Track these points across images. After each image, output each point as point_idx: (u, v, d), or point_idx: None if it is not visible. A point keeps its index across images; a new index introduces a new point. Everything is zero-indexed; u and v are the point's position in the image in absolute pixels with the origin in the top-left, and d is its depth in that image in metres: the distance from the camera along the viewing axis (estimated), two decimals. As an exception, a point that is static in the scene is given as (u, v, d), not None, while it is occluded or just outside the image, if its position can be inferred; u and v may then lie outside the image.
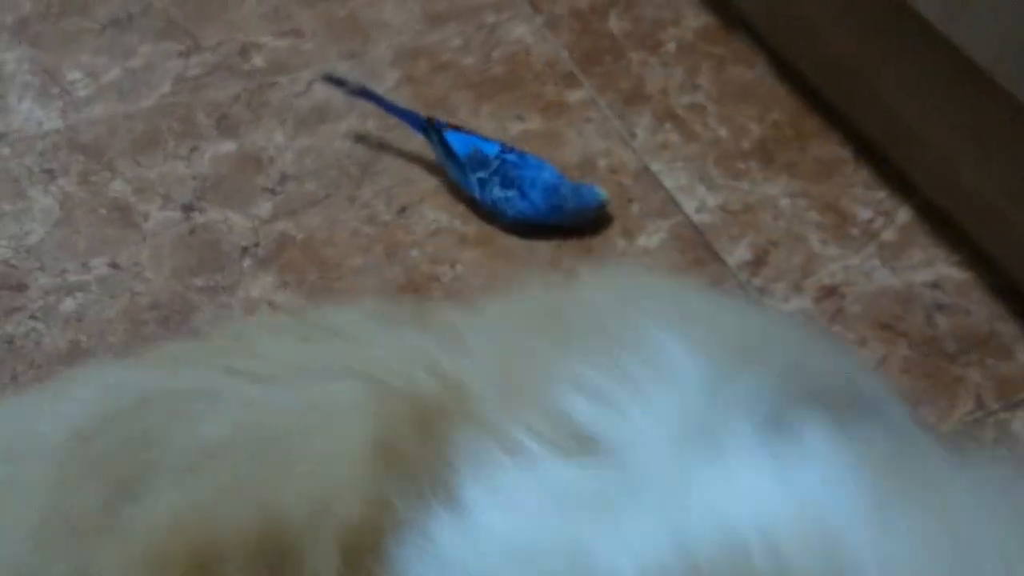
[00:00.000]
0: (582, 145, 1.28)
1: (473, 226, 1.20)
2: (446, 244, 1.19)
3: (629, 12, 1.45)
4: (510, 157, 1.19)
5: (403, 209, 1.22)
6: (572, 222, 1.18)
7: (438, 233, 1.20)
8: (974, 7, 1.00)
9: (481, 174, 1.18)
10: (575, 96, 1.35)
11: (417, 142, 1.29)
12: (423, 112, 1.26)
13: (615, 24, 1.44)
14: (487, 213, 1.20)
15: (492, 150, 1.19)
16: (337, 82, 1.29)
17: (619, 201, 1.22)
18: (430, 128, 1.23)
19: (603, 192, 1.18)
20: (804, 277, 1.14)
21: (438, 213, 1.22)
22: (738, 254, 1.16)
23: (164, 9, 1.47)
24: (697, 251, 1.17)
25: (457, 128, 1.23)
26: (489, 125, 1.31)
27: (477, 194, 1.19)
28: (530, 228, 1.18)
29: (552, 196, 1.16)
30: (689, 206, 1.21)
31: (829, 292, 1.13)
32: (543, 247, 1.18)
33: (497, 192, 1.17)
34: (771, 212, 1.20)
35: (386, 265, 1.16)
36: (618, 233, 1.19)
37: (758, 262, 1.15)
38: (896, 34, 1.15)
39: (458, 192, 1.23)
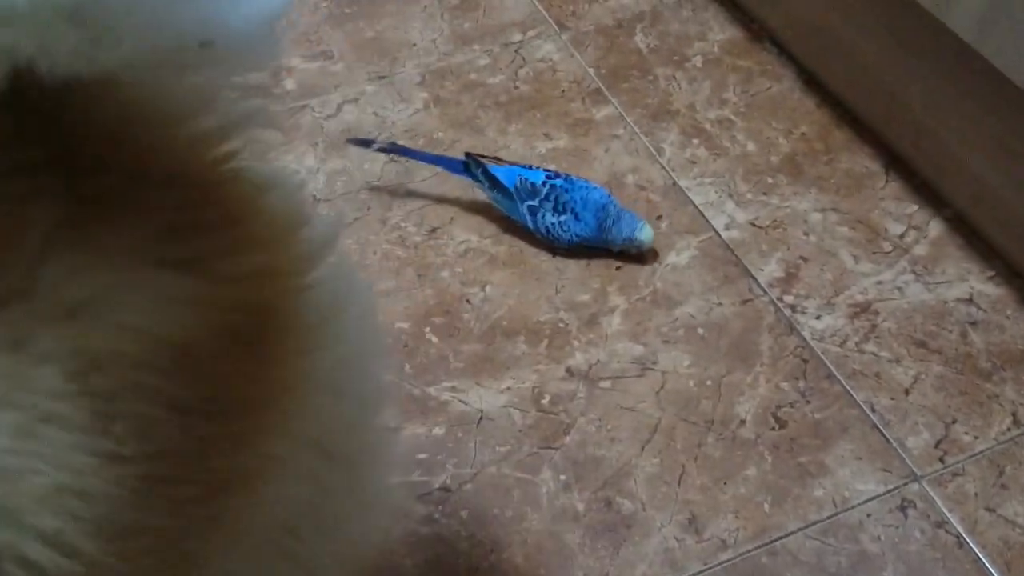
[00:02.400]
0: (610, 162, 1.28)
1: (504, 246, 1.20)
2: (476, 265, 1.19)
3: (655, 28, 1.45)
4: (558, 182, 1.19)
5: (433, 230, 1.23)
6: (620, 247, 1.17)
7: (468, 254, 1.20)
8: (1007, 23, 0.99)
9: (531, 202, 1.18)
10: (602, 113, 1.35)
11: (446, 162, 1.30)
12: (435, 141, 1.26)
13: (641, 40, 1.44)
14: (542, 240, 1.19)
15: (538, 177, 1.19)
16: (364, 143, 1.29)
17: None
18: (471, 165, 1.22)
19: (648, 232, 1.15)
20: (836, 293, 1.14)
21: (468, 234, 1.22)
22: (769, 270, 1.16)
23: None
24: (727, 268, 1.16)
25: (497, 160, 1.23)
26: (517, 144, 1.32)
27: (530, 223, 1.18)
28: (585, 250, 1.18)
29: (601, 215, 1.17)
30: (718, 222, 1.21)
31: (862, 309, 1.13)
32: (572, 267, 1.18)
33: (550, 218, 1.17)
34: (801, 227, 1.20)
35: (417, 287, 1.17)
36: (648, 252, 1.19)
37: (789, 278, 1.15)
38: (928, 49, 1.15)
39: (488, 212, 1.23)
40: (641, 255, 1.18)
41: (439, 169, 1.27)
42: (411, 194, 1.26)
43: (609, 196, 1.19)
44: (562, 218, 1.17)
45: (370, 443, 0.62)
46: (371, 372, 0.63)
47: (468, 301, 1.16)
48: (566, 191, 1.18)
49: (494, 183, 1.20)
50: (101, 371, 0.46)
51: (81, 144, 0.49)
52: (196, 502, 0.49)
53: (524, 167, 1.22)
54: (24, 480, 0.44)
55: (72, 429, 0.45)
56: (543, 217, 1.17)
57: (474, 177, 1.22)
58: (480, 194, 1.23)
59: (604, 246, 1.18)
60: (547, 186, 1.18)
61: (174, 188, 0.51)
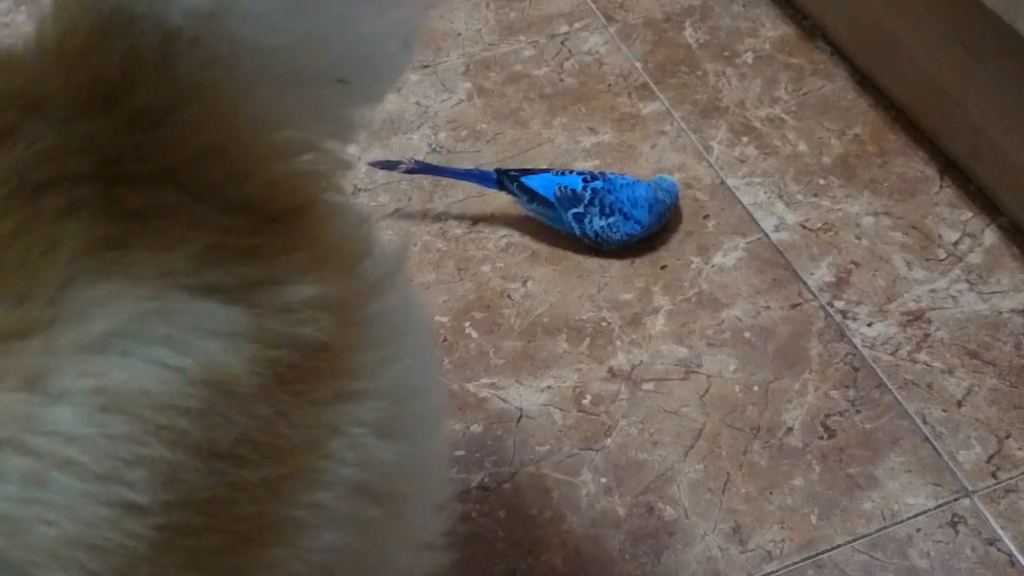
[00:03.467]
0: (656, 159, 1.26)
1: (545, 242, 1.18)
2: (518, 260, 1.17)
3: (705, 22, 1.42)
4: (597, 184, 1.16)
5: (475, 223, 1.20)
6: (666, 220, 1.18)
7: (509, 248, 1.18)
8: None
9: (576, 210, 1.14)
10: (649, 108, 1.32)
11: (490, 153, 1.27)
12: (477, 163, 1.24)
13: (690, 34, 1.41)
14: (589, 244, 1.16)
15: (576, 183, 1.16)
16: (388, 165, 1.22)
17: (694, 218, 1.19)
18: (504, 180, 1.18)
19: (671, 178, 1.18)
20: (888, 301, 1.11)
21: (510, 228, 1.20)
22: (819, 275, 1.13)
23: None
24: (776, 271, 1.13)
25: (526, 171, 1.18)
26: (561, 137, 1.29)
27: (576, 230, 1.15)
28: (631, 246, 1.16)
29: (655, 206, 1.15)
30: (767, 223, 1.18)
31: (915, 317, 1.09)
32: (616, 265, 1.16)
33: (598, 222, 1.14)
34: (853, 231, 1.17)
35: (457, 280, 1.14)
36: (693, 251, 1.16)
37: (840, 284, 1.12)
38: (991, 52, 1.11)
39: (530, 206, 1.21)
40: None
41: (480, 162, 1.25)
42: (453, 186, 1.24)
43: (647, 184, 1.16)
44: (611, 220, 1.14)
45: (419, 481, 0.58)
46: (425, 410, 0.58)
47: (509, 296, 1.13)
48: (609, 192, 1.15)
49: (532, 195, 1.16)
50: (122, 413, 0.42)
51: (144, 152, 0.46)
52: (220, 554, 0.45)
53: (556, 173, 1.18)
54: (33, 532, 0.41)
55: (87, 477, 0.41)
56: (590, 223, 1.14)
57: (510, 191, 1.17)
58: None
59: (655, 231, 1.17)
60: (588, 190, 1.15)
61: (232, 205, 0.47)
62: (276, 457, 0.46)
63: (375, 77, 0.53)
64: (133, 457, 0.42)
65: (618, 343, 1.08)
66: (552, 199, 1.15)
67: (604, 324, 1.10)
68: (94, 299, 0.43)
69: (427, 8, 0.54)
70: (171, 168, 0.47)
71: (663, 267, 1.15)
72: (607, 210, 1.14)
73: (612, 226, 1.13)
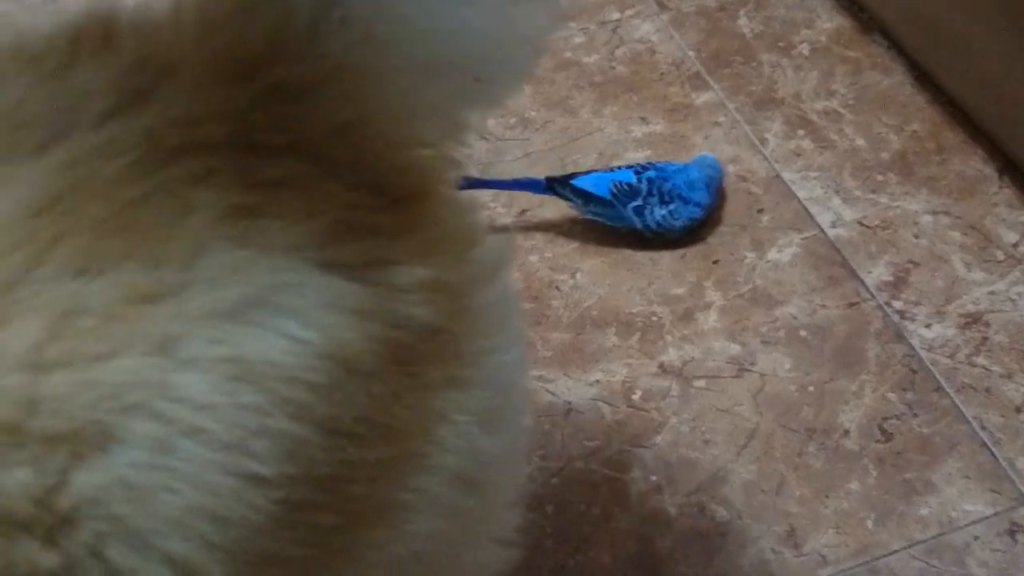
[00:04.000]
0: (709, 150, 1.23)
1: (595, 233, 1.16)
2: (566, 251, 1.15)
3: (760, 12, 1.39)
4: (650, 174, 1.13)
5: (523, 212, 1.18)
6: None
7: (558, 239, 1.16)
8: None
9: (636, 203, 1.12)
10: (702, 98, 1.29)
11: (539, 141, 1.25)
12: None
13: (745, 24, 1.38)
14: (651, 237, 1.14)
15: (629, 176, 1.13)
16: None
17: (748, 211, 1.17)
18: (556, 186, 1.15)
19: (710, 155, 1.18)
20: (947, 302, 1.08)
21: (558, 217, 1.18)
22: (876, 273, 1.10)
23: None
24: (832, 268, 1.11)
25: (575, 174, 1.16)
26: (611, 127, 1.27)
27: (638, 223, 1.12)
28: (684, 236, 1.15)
29: (711, 184, 1.14)
30: (824, 219, 1.15)
31: (974, 319, 1.07)
32: (666, 258, 1.14)
33: (659, 211, 1.12)
34: (911, 229, 1.14)
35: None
36: (747, 245, 1.14)
37: (898, 283, 1.09)
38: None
39: (580, 196, 1.18)
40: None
41: (530, 150, 1.23)
42: (501, 174, 1.22)
43: (696, 166, 1.15)
44: (671, 207, 1.11)
45: (507, 473, 0.58)
46: (519, 403, 0.58)
47: (557, 288, 1.11)
48: (664, 180, 1.13)
49: (588, 197, 1.13)
50: (251, 383, 0.42)
51: (280, 124, 0.46)
52: (333, 532, 0.45)
53: (605, 171, 1.15)
54: (156, 499, 0.40)
55: (214, 446, 0.41)
56: (651, 213, 1.12)
57: (563, 196, 1.15)
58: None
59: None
60: (644, 181, 1.13)
61: (358, 184, 0.47)
62: (389, 438, 0.46)
63: (502, 80, 0.54)
64: (259, 428, 0.42)
65: (669, 338, 1.06)
66: (609, 196, 1.12)
67: (654, 318, 1.08)
68: (227, 266, 0.43)
69: (562, 21, 0.54)
70: (305, 142, 0.46)
71: (715, 261, 1.13)
72: (666, 197, 1.12)
73: (673, 213, 1.11)
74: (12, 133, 0.43)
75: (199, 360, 0.41)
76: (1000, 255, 1.12)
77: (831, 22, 1.37)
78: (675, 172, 1.14)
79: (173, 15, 0.48)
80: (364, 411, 0.44)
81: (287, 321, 0.43)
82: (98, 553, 0.41)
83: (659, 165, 1.15)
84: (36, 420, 0.40)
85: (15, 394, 0.40)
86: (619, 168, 1.16)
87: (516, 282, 1.11)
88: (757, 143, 1.24)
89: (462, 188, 1.22)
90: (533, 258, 1.14)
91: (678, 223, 1.12)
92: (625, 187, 1.12)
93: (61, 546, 0.40)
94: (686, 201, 1.12)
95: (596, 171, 1.16)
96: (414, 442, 0.47)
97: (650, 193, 1.12)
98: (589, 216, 1.15)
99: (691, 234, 1.14)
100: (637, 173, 1.14)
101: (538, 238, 1.16)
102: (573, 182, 1.14)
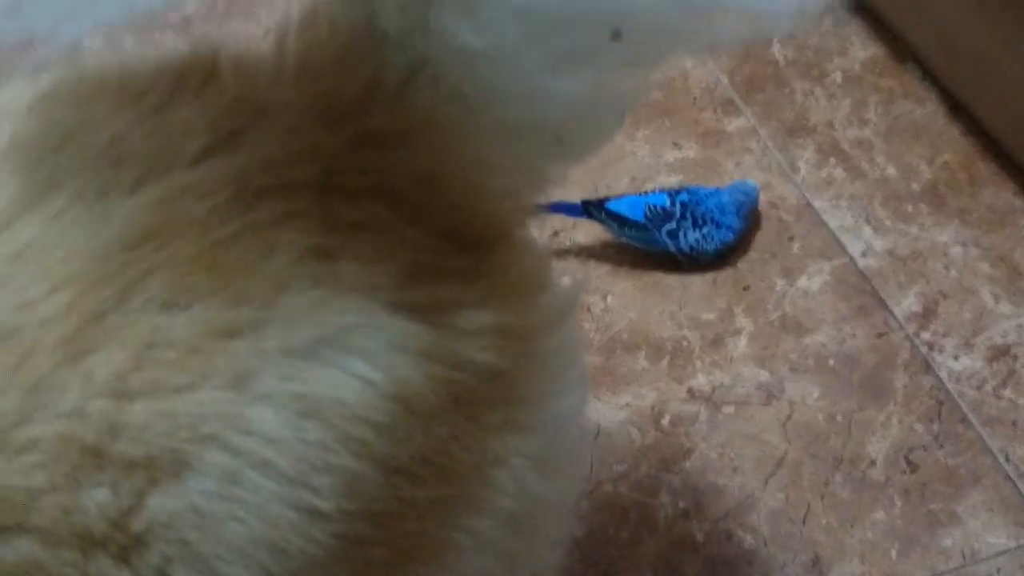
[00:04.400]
0: (741, 176, 1.24)
1: (627, 256, 1.17)
2: (599, 273, 1.16)
3: (793, 39, 1.41)
4: (683, 198, 1.15)
5: (556, 233, 1.20)
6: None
7: (590, 261, 1.18)
8: None
9: (669, 226, 1.14)
10: (734, 124, 1.31)
11: (572, 164, 1.27)
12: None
13: (778, 51, 1.39)
14: (684, 260, 1.15)
15: (663, 200, 1.15)
16: None
17: (779, 238, 1.18)
18: (592, 209, 1.16)
19: (752, 182, 1.19)
20: (975, 334, 1.09)
21: (591, 240, 1.19)
22: (906, 304, 1.11)
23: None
24: (862, 298, 1.12)
25: (610, 198, 1.17)
26: (643, 151, 1.29)
27: (671, 247, 1.14)
28: (715, 261, 1.16)
29: (742, 208, 1.16)
30: (854, 248, 1.17)
31: (1001, 352, 1.07)
32: (697, 282, 1.15)
33: (693, 234, 1.13)
34: (941, 260, 1.15)
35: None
36: (777, 272, 1.15)
37: (927, 314, 1.10)
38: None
39: (612, 219, 1.20)
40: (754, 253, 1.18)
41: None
42: (534, 194, 1.24)
43: (728, 191, 1.17)
44: (704, 230, 1.13)
45: (556, 517, 0.59)
46: (575, 447, 0.60)
47: (588, 310, 1.13)
48: (697, 203, 1.15)
49: (622, 221, 1.15)
50: (318, 420, 0.44)
51: (366, 169, 0.48)
52: (385, 567, 0.47)
53: (640, 195, 1.17)
54: (223, 527, 0.43)
55: (279, 480, 0.43)
56: (685, 236, 1.13)
57: (598, 219, 1.16)
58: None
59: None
60: (677, 205, 1.15)
61: (434, 229, 0.49)
62: (445, 478, 0.48)
63: (587, 140, 0.55)
64: (323, 464, 0.43)
65: (698, 363, 1.08)
66: (643, 220, 1.14)
67: (684, 343, 1.09)
68: (303, 306, 0.45)
69: (650, 86, 0.55)
70: (387, 187, 0.48)
71: (746, 287, 1.14)
72: (699, 220, 1.13)
73: (706, 236, 1.13)
74: (112, 169, 0.46)
75: (271, 395, 0.44)
76: (1029, 288, 1.13)
77: (865, 51, 1.38)
78: (707, 196, 1.16)
79: (276, 58, 0.50)
80: (423, 451, 0.46)
81: (356, 361, 0.45)
82: (165, 574, 0.43)
83: (691, 189, 1.17)
84: (117, 444, 0.42)
85: (99, 419, 0.43)
86: (653, 192, 1.18)
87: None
88: (788, 170, 1.25)
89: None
90: (565, 280, 1.15)
91: (711, 246, 1.13)
92: (659, 210, 1.14)
93: (133, 565, 0.43)
94: (718, 225, 1.13)
95: (628, 195, 1.18)
96: (470, 483, 0.49)
97: (683, 216, 1.14)
98: (624, 240, 1.16)
99: (723, 258, 1.16)
100: (671, 196, 1.16)
101: (570, 260, 1.18)
102: (608, 205, 1.16)
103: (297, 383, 0.44)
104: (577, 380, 0.57)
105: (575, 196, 1.20)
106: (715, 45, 0.55)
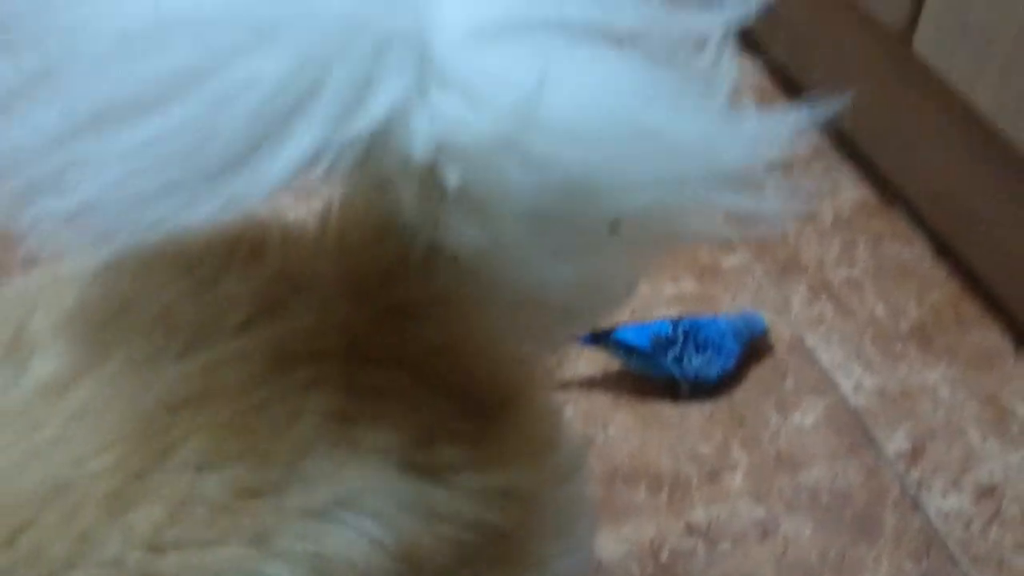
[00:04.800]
0: (736, 311, 1.29)
1: (627, 386, 1.22)
2: (599, 403, 1.20)
3: (785, 181, 1.47)
4: (685, 325, 1.20)
5: (559, 363, 1.24)
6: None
7: (592, 390, 1.22)
8: None
9: (674, 352, 1.19)
10: (730, 261, 1.37)
11: (575, 297, 1.32)
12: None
13: (771, 192, 1.46)
14: (688, 387, 1.19)
15: (666, 329, 1.20)
16: None
17: (773, 373, 1.23)
18: (601, 339, 1.20)
19: (763, 318, 1.24)
20: (963, 473, 1.13)
21: (593, 369, 1.24)
22: (896, 442, 1.15)
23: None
24: (853, 435, 1.16)
25: (616, 327, 1.21)
26: (643, 284, 1.34)
27: (676, 373, 1.19)
28: (711, 392, 1.20)
29: (741, 336, 1.21)
30: (845, 385, 1.21)
31: (988, 492, 1.11)
32: (695, 415, 1.19)
33: (696, 360, 1.18)
34: (930, 400, 1.19)
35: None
36: (772, 407, 1.19)
37: (916, 453, 1.14)
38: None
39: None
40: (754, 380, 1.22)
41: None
42: (538, 325, 1.28)
43: (728, 318, 1.22)
44: (706, 356, 1.18)
45: None
46: None
47: (591, 440, 1.16)
48: (698, 331, 1.20)
49: (628, 349, 1.20)
50: None
51: (388, 338, 0.52)
52: None
53: (643, 324, 1.21)
54: None
55: None
56: (689, 361, 1.18)
57: (605, 349, 1.21)
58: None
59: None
60: (680, 331, 1.20)
61: (449, 392, 0.53)
62: None
63: (596, 310, 0.60)
64: None
65: (696, 497, 1.11)
66: (649, 347, 1.19)
67: (682, 476, 1.13)
68: (322, 468, 0.49)
69: (659, 258, 0.60)
70: (407, 355, 0.53)
71: (741, 421, 1.18)
72: (701, 347, 1.18)
73: (709, 362, 1.18)
74: (163, 336, 0.50)
75: (287, 554, 0.47)
76: (1015, 428, 1.17)
77: (855, 193, 1.45)
78: (706, 324, 1.21)
79: (319, 234, 0.55)
80: None
81: (367, 521, 0.48)
82: None
83: (692, 319, 1.22)
84: None
85: (135, 568, 0.47)
86: (656, 321, 1.23)
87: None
88: (781, 307, 1.30)
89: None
90: (568, 409, 1.20)
91: (713, 371, 1.19)
92: (664, 338, 1.19)
93: None
94: (719, 350, 1.18)
95: (631, 324, 1.23)
96: None
97: (686, 342, 1.19)
98: (631, 367, 1.21)
99: (723, 387, 1.20)
100: (673, 324, 1.21)
101: (572, 390, 1.22)
102: (615, 335, 1.21)
103: (311, 542, 0.48)
104: (583, 538, 0.61)
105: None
106: (708, 239, 0.59)
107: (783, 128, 0.56)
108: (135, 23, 0.45)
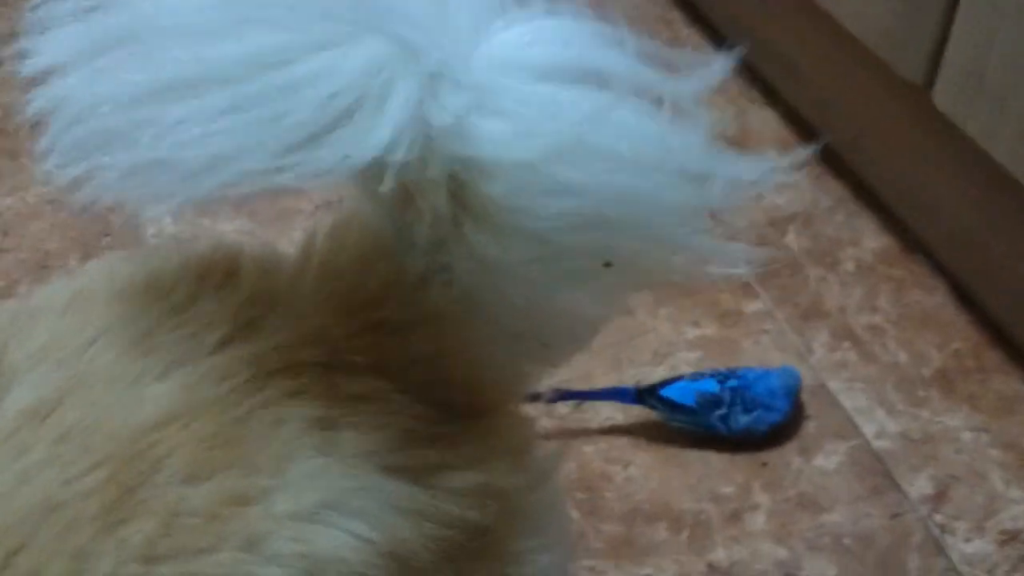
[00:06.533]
0: (758, 356, 1.30)
1: (649, 427, 1.22)
2: (620, 443, 1.20)
3: (808, 228, 1.49)
4: (732, 383, 1.19)
5: (579, 403, 1.25)
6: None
7: (613, 431, 1.22)
8: None
9: (720, 411, 1.18)
10: (752, 307, 1.37)
11: (597, 338, 1.33)
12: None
13: (793, 239, 1.47)
14: (734, 439, 1.19)
15: (713, 386, 1.19)
16: (532, 397, 1.21)
17: (795, 417, 1.23)
18: (646, 396, 1.21)
19: (797, 371, 1.23)
20: (986, 518, 1.12)
21: (613, 411, 1.24)
22: (919, 486, 1.15)
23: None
24: (876, 478, 1.16)
25: (662, 383, 1.21)
26: (665, 327, 1.35)
27: (723, 431, 1.18)
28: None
29: (791, 392, 1.20)
30: (868, 429, 1.21)
31: (1012, 537, 1.10)
32: (715, 459, 1.19)
33: (744, 419, 1.18)
34: (953, 445, 1.19)
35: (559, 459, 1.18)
36: (795, 450, 1.19)
37: (940, 497, 1.14)
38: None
39: (635, 392, 1.25)
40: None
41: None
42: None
43: (778, 373, 1.21)
44: (755, 414, 1.18)
45: None
46: None
47: (611, 479, 1.16)
48: (746, 389, 1.19)
49: (673, 406, 1.19)
50: None
51: (369, 350, 0.54)
52: None
53: (690, 379, 1.21)
54: None
55: None
56: (736, 420, 1.18)
57: (651, 406, 1.21)
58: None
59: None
60: (727, 391, 1.19)
61: (428, 400, 0.55)
62: None
63: (565, 349, 0.63)
64: None
65: (717, 537, 1.10)
66: (694, 405, 1.19)
67: (703, 516, 1.12)
68: (308, 473, 0.51)
69: (622, 311, 0.64)
70: (386, 364, 0.55)
71: (764, 464, 1.18)
72: (749, 406, 1.18)
73: (757, 419, 1.17)
74: (143, 359, 0.53)
75: (280, 556, 0.49)
76: (1039, 475, 1.17)
77: (876, 241, 1.46)
78: (754, 380, 1.21)
79: (300, 258, 0.58)
80: None
81: (356, 522, 0.50)
82: None
83: (739, 372, 1.22)
84: None
85: None
86: (702, 376, 1.22)
87: (571, 471, 1.16)
88: (804, 352, 1.31)
89: (552, 400, 1.26)
90: (588, 448, 1.20)
91: (762, 427, 1.18)
92: (709, 397, 1.19)
93: None
94: (768, 408, 1.18)
95: (679, 379, 1.22)
96: None
97: (733, 403, 1.18)
98: (675, 423, 1.20)
99: (776, 437, 1.20)
100: (720, 383, 1.20)
101: (593, 429, 1.22)
102: (660, 392, 1.20)
103: (302, 544, 0.49)
104: (560, 536, 0.63)
105: (597, 368, 1.25)
106: (696, 278, 0.64)
107: (776, 172, 0.60)
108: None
